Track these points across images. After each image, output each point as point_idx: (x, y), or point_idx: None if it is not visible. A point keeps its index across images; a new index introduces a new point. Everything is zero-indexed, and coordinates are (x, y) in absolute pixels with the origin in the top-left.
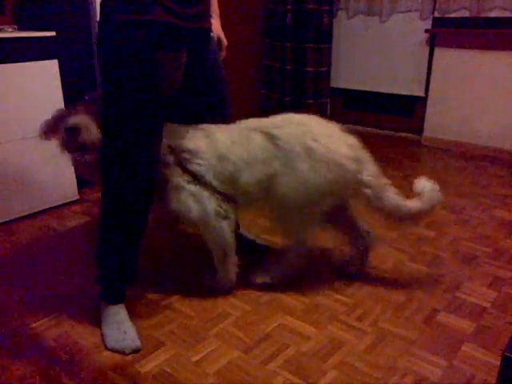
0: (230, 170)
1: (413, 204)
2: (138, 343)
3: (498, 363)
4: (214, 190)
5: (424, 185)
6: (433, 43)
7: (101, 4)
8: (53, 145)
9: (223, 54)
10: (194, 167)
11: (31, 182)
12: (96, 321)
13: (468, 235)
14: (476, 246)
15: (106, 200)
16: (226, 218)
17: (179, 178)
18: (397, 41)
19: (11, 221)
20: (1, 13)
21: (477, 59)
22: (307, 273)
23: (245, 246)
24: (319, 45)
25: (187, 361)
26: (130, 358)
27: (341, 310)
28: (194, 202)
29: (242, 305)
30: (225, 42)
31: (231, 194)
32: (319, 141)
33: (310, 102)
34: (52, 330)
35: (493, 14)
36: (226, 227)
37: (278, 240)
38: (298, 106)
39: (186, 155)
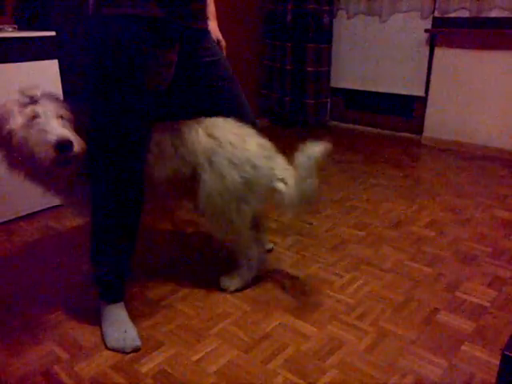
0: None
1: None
2: (138, 342)
3: (498, 362)
4: None
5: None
6: (433, 43)
7: None
8: None
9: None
10: None
11: None
12: (96, 320)
13: (468, 235)
14: (476, 246)
15: (98, 199)
16: None
17: None
18: (397, 41)
19: (11, 221)
20: (1, 12)
21: (477, 59)
22: (306, 273)
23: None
24: (319, 45)
25: (187, 360)
26: (130, 357)
27: (341, 309)
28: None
29: (242, 304)
30: (223, 43)
31: None
32: (227, 140)
33: (310, 101)
34: (52, 329)
35: (493, 14)
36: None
37: (278, 240)
38: (298, 105)
39: None
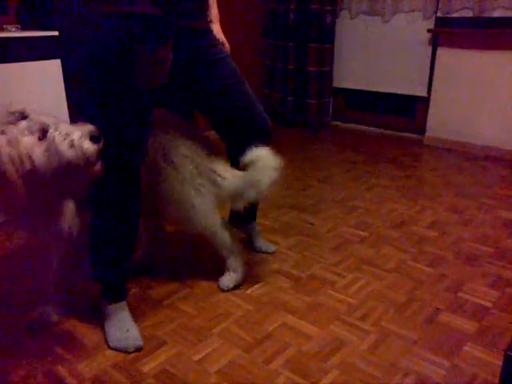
0: None
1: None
2: (140, 342)
3: (501, 363)
4: None
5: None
6: (435, 43)
7: None
8: None
9: None
10: None
11: None
12: (98, 320)
13: (470, 235)
14: (478, 246)
15: (97, 199)
16: None
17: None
18: (399, 41)
19: (11, 220)
20: (4, 12)
21: (479, 59)
22: (308, 273)
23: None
24: (322, 44)
25: (189, 360)
26: (132, 356)
27: (343, 309)
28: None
29: (244, 304)
30: (227, 45)
31: None
32: None
33: (312, 101)
34: (54, 328)
35: (495, 14)
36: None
37: (280, 240)
38: (300, 105)
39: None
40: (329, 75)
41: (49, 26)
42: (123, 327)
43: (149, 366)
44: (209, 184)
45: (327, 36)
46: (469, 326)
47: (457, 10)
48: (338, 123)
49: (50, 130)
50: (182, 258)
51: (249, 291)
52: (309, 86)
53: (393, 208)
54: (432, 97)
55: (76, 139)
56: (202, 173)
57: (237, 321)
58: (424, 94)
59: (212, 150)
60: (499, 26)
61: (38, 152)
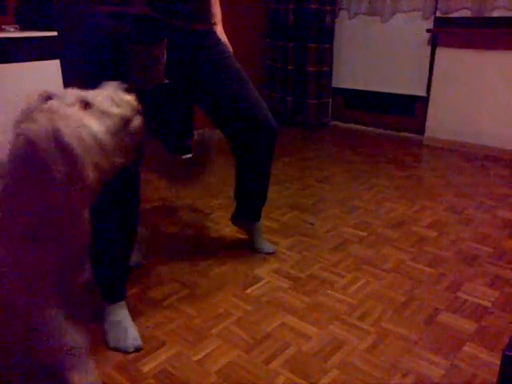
0: None
1: None
2: (139, 342)
3: (500, 363)
4: None
5: None
6: (434, 43)
7: None
8: None
9: None
10: None
11: None
12: (98, 320)
13: (470, 235)
14: (478, 246)
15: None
16: None
17: None
18: (398, 40)
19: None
20: (2, 13)
21: (479, 59)
22: (307, 273)
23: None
24: (321, 44)
25: (188, 360)
26: (131, 356)
27: (342, 309)
28: None
29: (244, 304)
30: (229, 47)
31: None
32: None
33: (312, 101)
34: None
35: (495, 14)
36: None
37: (280, 240)
38: (299, 105)
39: None
40: (328, 75)
41: (47, 27)
42: (122, 327)
43: (148, 366)
44: None
45: (326, 36)
46: (468, 325)
47: (456, 10)
48: (338, 123)
49: (89, 97)
50: (182, 258)
51: (248, 291)
52: (308, 86)
53: (392, 208)
54: (431, 96)
55: (115, 96)
56: None
57: (236, 321)
58: (423, 93)
59: None
60: (498, 26)
61: (94, 122)
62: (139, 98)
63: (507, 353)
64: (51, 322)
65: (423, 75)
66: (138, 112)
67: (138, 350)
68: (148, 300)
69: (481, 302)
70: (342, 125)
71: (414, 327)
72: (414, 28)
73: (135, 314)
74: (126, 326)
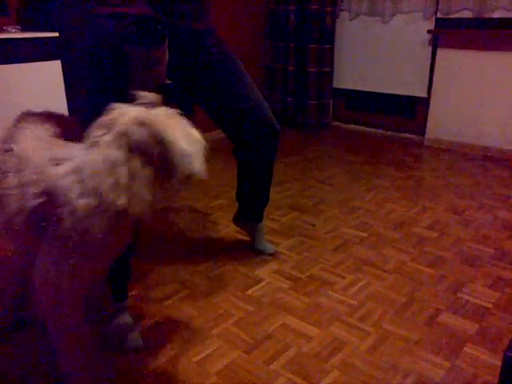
0: None
1: None
2: (139, 343)
3: (501, 364)
4: None
5: None
6: (435, 44)
7: None
8: None
9: None
10: None
11: None
12: (98, 321)
13: (470, 236)
14: (478, 247)
15: None
16: None
17: None
18: (399, 41)
19: None
20: (4, 13)
21: (479, 60)
22: (308, 274)
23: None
24: (322, 45)
25: (189, 360)
26: (131, 357)
27: (343, 310)
28: None
29: (244, 305)
30: None
31: None
32: None
33: (313, 102)
34: None
35: (495, 15)
36: None
37: (281, 241)
38: (300, 106)
39: None
40: (329, 76)
41: (49, 27)
42: (123, 328)
43: (149, 366)
44: None
45: (327, 37)
46: (469, 326)
47: (457, 11)
48: (338, 124)
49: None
50: (182, 259)
51: (249, 292)
52: (309, 87)
53: (393, 209)
54: (432, 97)
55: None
56: None
57: (237, 322)
58: (424, 94)
59: None
60: (499, 27)
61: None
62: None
63: (508, 354)
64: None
65: (424, 76)
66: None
67: (138, 350)
68: (148, 300)
69: (482, 302)
70: (342, 125)
71: (414, 328)
72: (414, 29)
73: (136, 315)
74: (126, 327)
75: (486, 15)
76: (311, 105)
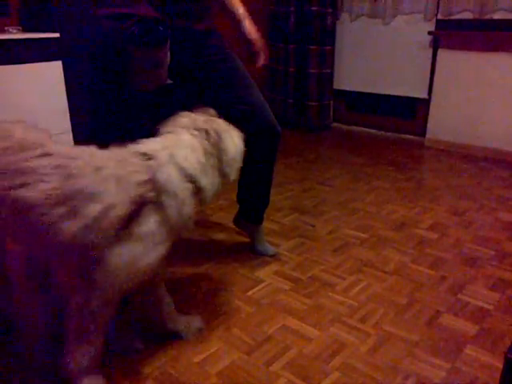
0: None
1: None
2: (140, 343)
3: (501, 365)
4: None
5: None
6: (436, 45)
7: None
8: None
9: (258, 61)
10: None
11: None
12: None
13: (471, 237)
14: (479, 248)
15: None
16: None
17: None
18: (400, 43)
19: None
20: (5, 14)
21: (480, 61)
22: (308, 275)
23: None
24: (322, 47)
25: (189, 362)
26: (132, 358)
27: (343, 311)
28: None
29: (245, 306)
30: (259, 43)
31: None
32: None
33: (313, 103)
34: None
35: (496, 16)
36: None
37: (281, 242)
38: (300, 108)
39: None
40: (329, 77)
41: (50, 28)
42: (123, 329)
43: (149, 367)
44: None
45: (328, 38)
46: (469, 328)
47: (457, 12)
48: (339, 125)
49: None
50: (182, 260)
51: (249, 293)
52: (309, 88)
53: (393, 210)
54: (433, 99)
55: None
56: None
57: (237, 323)
58: (425, 95)
59: None
60: (500, 29)
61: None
62: (141, 99)
63: (509, 355)
64: None
65: (425, 77)
66: None
67: (138, 351)
68: (149, 301)
69: (482, 304)
70: (343, 127)
71: (415, 329)
72: (415, 30)
73: (136, 316)
74: (126, 328)
75: (487, 16)
76: (312, 106)
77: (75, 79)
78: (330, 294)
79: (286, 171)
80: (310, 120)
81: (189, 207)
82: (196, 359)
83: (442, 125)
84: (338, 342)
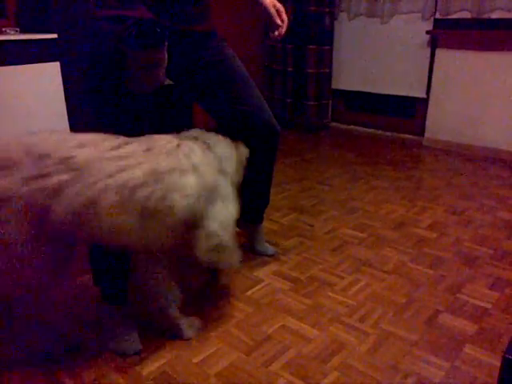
0: None
1: None
2: (139, 345)
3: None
4: None
5: None
6: (434, 44)
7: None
8: None
9: (278, 31)
10: None
11: None
12: (98, 322)
13: (470, 236)
14: (478, 247)
15: None
16: None
17: None
18: (398, 42)
19: None
20: (3, 15)
21: (478, 60)
22: (307, 275)
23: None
24: (321, 46)
25: (188, 362)
26: (131, 359)
27: (342, 311)
28: None
29: (244, 306)
30: (284, 15)
31: None
32: None
33: (312, 103)
34: (53, 331)
35: (494, 16)
36: None
37: (280, 242)
38: (299, 107)
39: None
40: (328, 77)
41: (48, 29)
42: (122, 329)
43: (148, 368)
44: None
45: (326, 38)
46: (468, 327)
47: (455, 12)
48: (337, 125)
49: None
50: (181, 261)
51: (248, 293)
52: (308, 88)
53: (392, 209)
54: (431, 98)
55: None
56: None
57: (236, 323)
58: (423, 95)
59: None
60: (498, 28)
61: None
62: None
63: (507, 356)
64: None
65: (423, 77)
66: None
67: (137, 352)
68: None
69: (481, 303)
70: (341, 126)
71: (414, 329)
72: (413, 29)
73: (135, 316)
74: (126, 328)
75: (485, 16)
76: (310, 106)
77: (73, 80)
78: (329, 293)
79: (284, 171)
80: (308, 119)
81: (240, 169)
82: (195, 359)
83: (440, 124)
84: (337, 342)
